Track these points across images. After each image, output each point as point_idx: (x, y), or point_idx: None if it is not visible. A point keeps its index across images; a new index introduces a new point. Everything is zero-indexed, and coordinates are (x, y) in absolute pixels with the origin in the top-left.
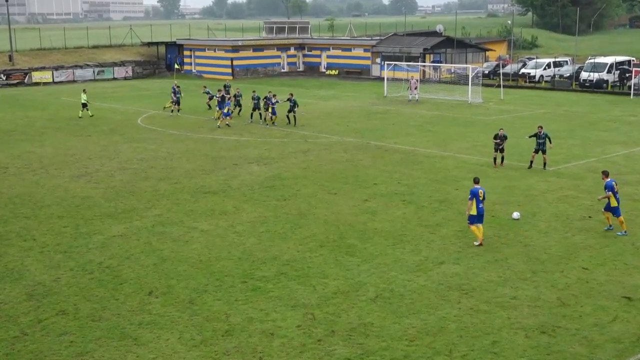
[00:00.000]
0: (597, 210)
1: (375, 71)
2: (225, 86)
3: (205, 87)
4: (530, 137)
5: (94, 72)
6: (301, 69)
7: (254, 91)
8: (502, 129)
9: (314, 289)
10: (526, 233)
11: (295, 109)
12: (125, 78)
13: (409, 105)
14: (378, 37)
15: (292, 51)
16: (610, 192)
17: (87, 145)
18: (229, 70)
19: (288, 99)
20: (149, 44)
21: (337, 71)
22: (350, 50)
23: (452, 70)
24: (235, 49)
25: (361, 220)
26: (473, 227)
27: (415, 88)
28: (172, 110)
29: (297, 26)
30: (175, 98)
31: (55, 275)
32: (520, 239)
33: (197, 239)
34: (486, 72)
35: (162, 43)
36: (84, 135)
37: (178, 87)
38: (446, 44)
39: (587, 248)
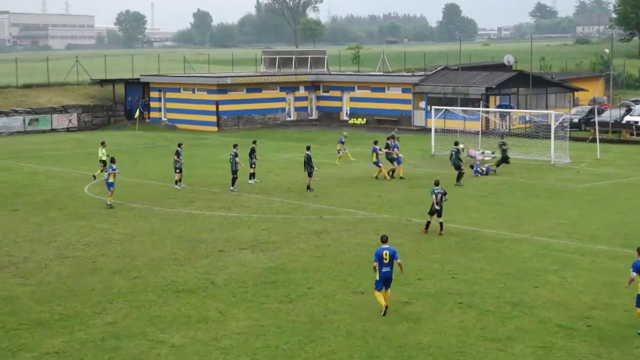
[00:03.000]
0: None
1: (419, 119)
2: (392, 136)
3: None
4: None
5: (24, 121)
6: (314, 116)
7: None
8: (437, 179)
9: None
10: (637, 351)
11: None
12: (68, 129)
13: (468, 169)
14: (422, 73)
15: (301, 92)
16: (635, 273)
17: (12, 225)
18: (213, 119)
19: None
20: (102, 81)
21: (364, 120)
22: (383, 90)
23: (528, 119)
24: (222, 88)
25: (399, 332)
26: (377, 294)
27: (482, 153)
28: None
29: (309, 57)
30: (179, 162)
31: None
32: (629, 358)
33: (165, 358)
34: (575, 120)
35: (120, 81)
36: (8, 211)
37: (180, 146)
38: (518, 82)
39: None
